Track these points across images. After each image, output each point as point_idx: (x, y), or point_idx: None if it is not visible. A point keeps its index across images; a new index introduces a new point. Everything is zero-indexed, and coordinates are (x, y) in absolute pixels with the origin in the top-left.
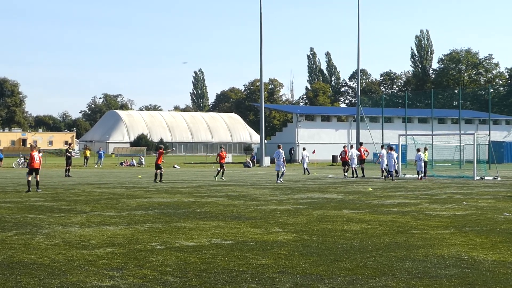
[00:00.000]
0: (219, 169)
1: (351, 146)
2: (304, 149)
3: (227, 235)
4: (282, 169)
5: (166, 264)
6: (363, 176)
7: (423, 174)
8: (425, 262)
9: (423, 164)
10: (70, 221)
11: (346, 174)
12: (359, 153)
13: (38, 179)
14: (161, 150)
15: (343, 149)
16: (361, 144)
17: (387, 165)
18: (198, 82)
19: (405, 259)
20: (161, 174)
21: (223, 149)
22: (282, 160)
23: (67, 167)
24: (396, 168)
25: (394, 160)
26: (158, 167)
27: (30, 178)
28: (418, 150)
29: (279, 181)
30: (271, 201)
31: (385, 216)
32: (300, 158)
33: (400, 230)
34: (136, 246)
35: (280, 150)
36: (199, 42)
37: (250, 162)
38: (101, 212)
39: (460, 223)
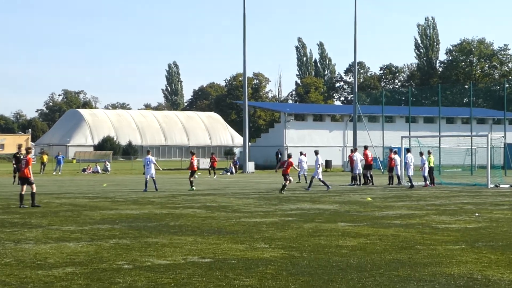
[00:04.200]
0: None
1: (355, 150)
2: (301, 153)
3: (205, 252)
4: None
5: (134, 286)
6: (367, 183)
7: (429, 181)
8: (432, 282)
9: (427, 169)
10: (24, 237)
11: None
12: (363, 158)
13: (34, 190)
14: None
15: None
16: (366, 147)
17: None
18: (172, 77)
19: (410, 279)
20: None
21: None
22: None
23: (15, 174)
24: (399, 174)
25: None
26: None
27: (23, 191)
28: (421, 154)
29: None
30: (256, 213)
31: (386, 229)
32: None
33: (404, 246)
34: (100, 265)
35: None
36: (173, 32)
37: (233, 167)
38: (60, 226)
39: (472, 237)
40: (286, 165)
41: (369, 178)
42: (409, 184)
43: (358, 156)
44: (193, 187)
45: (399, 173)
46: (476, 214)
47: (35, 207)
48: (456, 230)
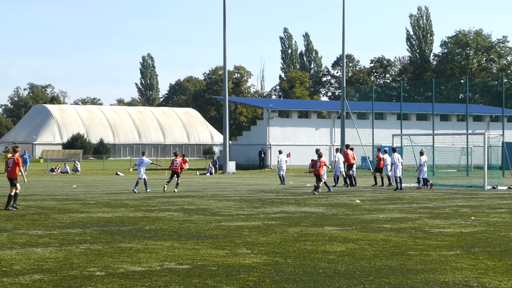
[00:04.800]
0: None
1: (337, 150)
2: (280, 152)
3: (182, 258)
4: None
5: None
6: (353, 184)
7: (422, 183)
8: None
9: (424, 171)
10: None
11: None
12: (343, 158)
13: (17, 191)
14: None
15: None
16: (347, 146)
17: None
18: (147, 70)
19: (401, 286)
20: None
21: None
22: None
23: None
24: (388, 174)
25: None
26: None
27: (12, 192)
28: (421, 153)
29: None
30: (237, 216)
31: (376, 234)
32: (275, 163)
33: (395, 251)
34: (71, 272)
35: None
36: (147, 22)
37: (212, 167)
38: (27, 230)
39: (467, 242)
40: (319, 165)
41: (352, 178)
42: (395, 185)
43: (340, 157)
44: (165, 188)
45: (389, 174)
46: (472, 217)
47: (14, 208)
48: (450, 234)
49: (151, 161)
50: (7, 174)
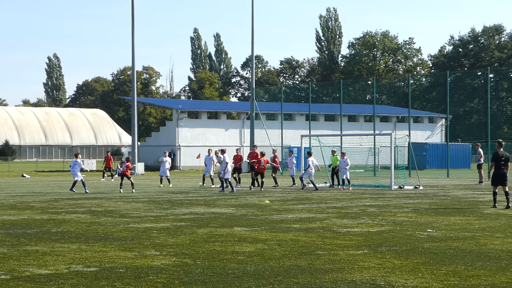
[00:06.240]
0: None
1: (223, 151)
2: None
3: (90, 260)
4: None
5: None
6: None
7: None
8: None
9: (348, 171)
10: None
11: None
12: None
13: None
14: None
15: (272, 154)
16: (255, 146)
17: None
18: (53, 70)
19: (310, 286)
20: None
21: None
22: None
23: None
24: (293, 175)
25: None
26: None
27: None
28: (343, 155)
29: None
30: (146, 218)
31: (285, 234)
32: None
33: (303, 251)
34: None
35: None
36: (53, 21)
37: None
38: None
39: (375, 241)
40: (263, 163)
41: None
42: (302, 185)
43: (228, 158)
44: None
45: (294, 175)
46: (379, 217)
47: None
48: (358, 234)
49: (82, 165)
50: None
